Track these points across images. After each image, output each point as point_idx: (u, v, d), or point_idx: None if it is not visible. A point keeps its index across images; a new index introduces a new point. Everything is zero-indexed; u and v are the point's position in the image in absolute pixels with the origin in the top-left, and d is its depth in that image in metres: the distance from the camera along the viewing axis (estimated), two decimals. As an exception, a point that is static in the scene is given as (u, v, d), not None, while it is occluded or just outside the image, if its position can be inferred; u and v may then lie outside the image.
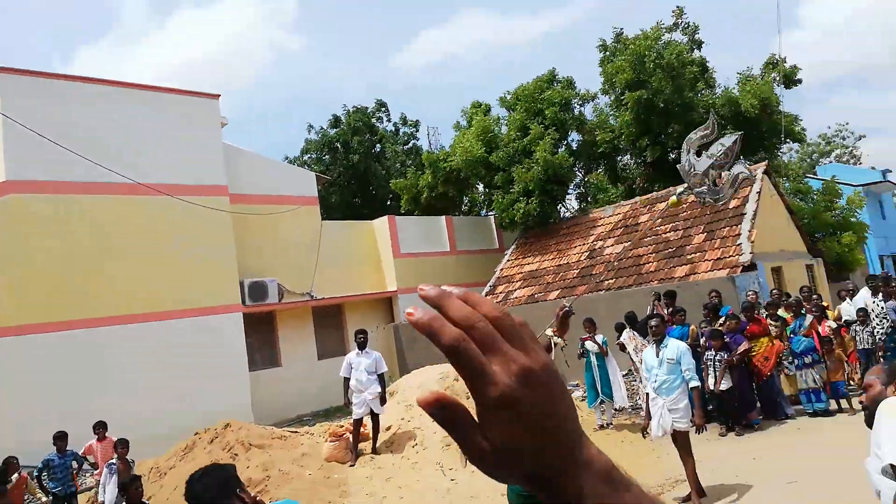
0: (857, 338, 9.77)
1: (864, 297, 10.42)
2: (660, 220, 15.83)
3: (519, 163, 18.22)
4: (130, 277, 12.60)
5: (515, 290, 17.05)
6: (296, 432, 8.50)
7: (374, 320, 17.08)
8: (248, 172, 15.55)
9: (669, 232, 15.24)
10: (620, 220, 16.86)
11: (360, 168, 26.97)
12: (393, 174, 25.87)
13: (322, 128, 28.48)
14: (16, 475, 7.82)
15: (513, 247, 19.04)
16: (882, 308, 9.77)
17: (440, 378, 10.05)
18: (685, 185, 7.22)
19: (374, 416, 8.98)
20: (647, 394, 6.46)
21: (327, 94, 78.56)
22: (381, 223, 18.41)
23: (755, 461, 7.13)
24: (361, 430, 8.94)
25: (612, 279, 15.12)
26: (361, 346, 9.31)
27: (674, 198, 8.16)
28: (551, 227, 18.51)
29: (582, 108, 20.23)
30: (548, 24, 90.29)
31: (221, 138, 14.81)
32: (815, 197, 18.88)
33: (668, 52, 17.85)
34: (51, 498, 8.22)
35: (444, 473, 7.56)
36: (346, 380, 9.15)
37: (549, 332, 6.65)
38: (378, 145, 28.40)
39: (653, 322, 6.38)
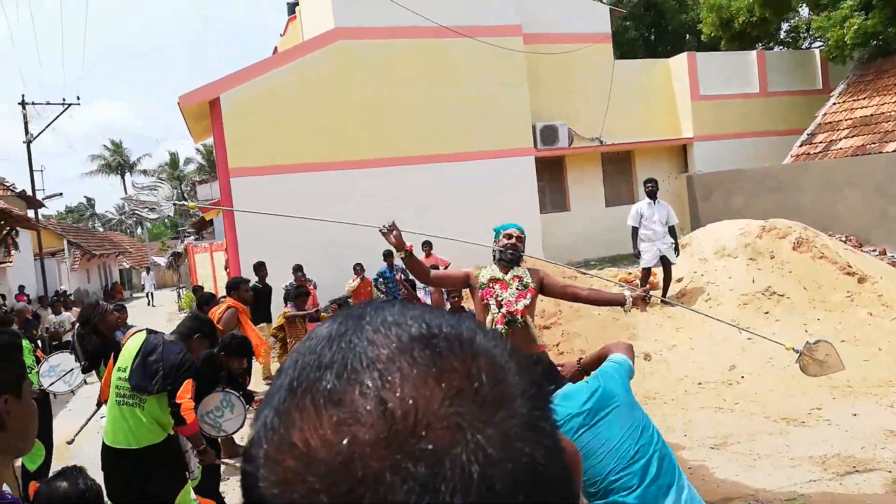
0: None
1: None
2: None
3: None
4: (434, 120, 13.50)
5: (840, 139, 14.55)
6: (585, 273, 8.80)
7: (665, 169, 16.23)
8: (539, 8, 15.08)
9: None
10: None
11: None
12: (689, 6, 22.92)
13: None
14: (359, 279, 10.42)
15: (842, 85, 15.99)
16: None
17: (740, 233, 9.35)
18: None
19: (667, 266, 8.87)
20: None
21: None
22: (679, 62, 16.79)
23: None
24: (651, 278, 8.93)
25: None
26: (651, 195, 9.07)
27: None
28: (899, 59, 14.98)
29: None
30: None
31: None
32: None
33: None
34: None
35: (741, 331, 7.23)
36: (635, 229, 9.08)
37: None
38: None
39: None
